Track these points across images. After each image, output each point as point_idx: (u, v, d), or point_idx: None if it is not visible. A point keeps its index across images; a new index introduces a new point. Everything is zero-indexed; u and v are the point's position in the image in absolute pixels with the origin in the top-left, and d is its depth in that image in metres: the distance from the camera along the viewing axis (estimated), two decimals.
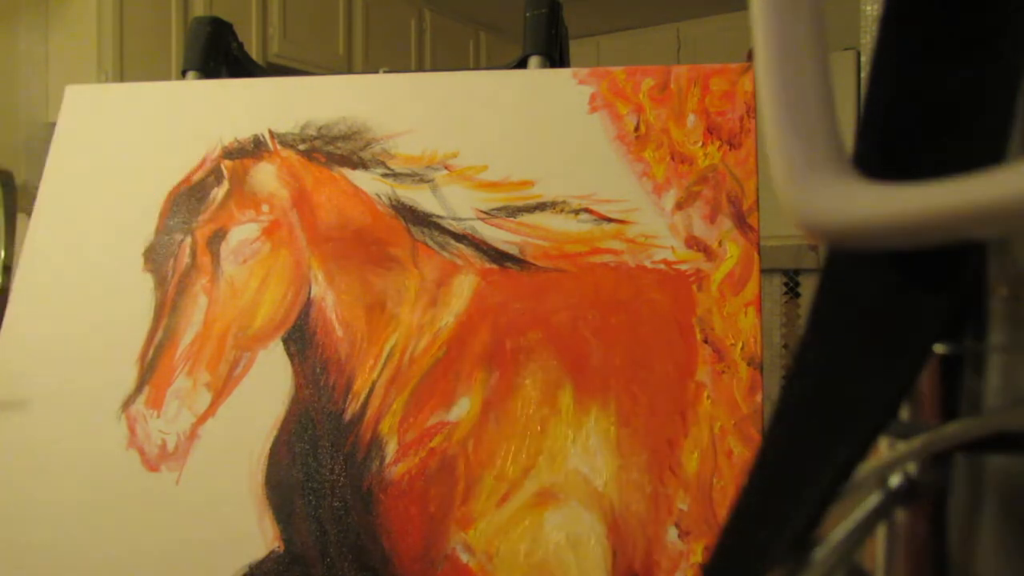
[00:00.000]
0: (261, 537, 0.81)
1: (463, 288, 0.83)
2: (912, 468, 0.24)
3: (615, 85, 0.85)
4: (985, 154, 0.21)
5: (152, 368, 0.86)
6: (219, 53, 0.99)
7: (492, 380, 0.80)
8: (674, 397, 0.77)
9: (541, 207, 0.83)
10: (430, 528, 0.79)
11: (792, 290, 2.31)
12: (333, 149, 0.88)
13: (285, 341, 0.85)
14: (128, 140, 0.94)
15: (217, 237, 0.89)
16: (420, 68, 3.33)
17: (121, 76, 2.43)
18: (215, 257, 0.88)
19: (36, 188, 0.92)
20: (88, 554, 0.83)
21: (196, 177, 0.91)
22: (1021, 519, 0.23)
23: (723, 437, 0.76)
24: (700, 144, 0.82)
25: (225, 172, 0.90)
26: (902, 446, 0.23)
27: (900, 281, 0.22)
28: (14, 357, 0.88)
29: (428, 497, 0.79)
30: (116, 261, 0.89)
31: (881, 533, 0.25)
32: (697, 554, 0.74)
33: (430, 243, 0.84)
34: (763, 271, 0.81)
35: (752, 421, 0.76)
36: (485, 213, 0.84)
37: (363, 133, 0.88)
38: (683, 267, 0.80)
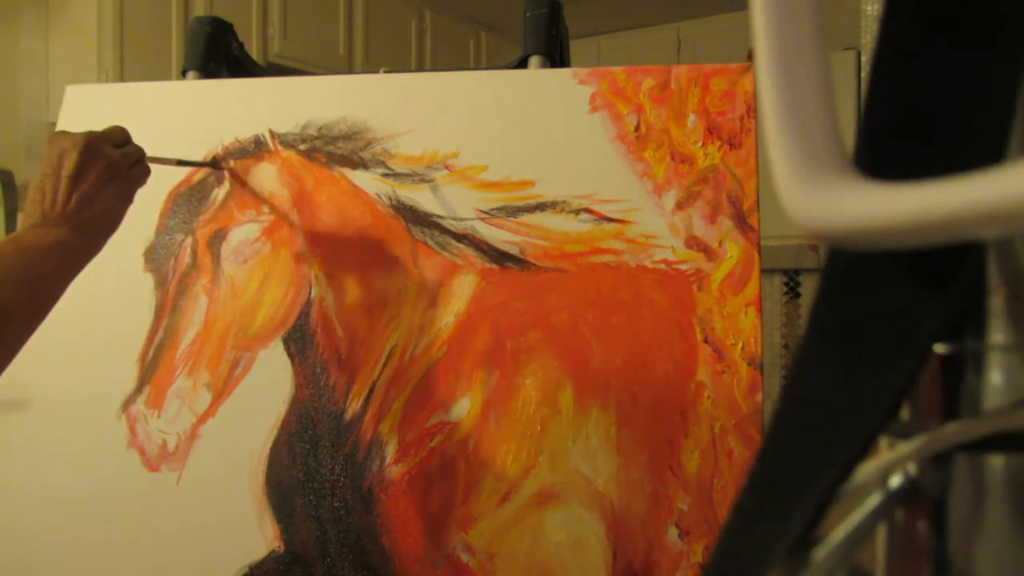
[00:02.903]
0: (261, 537, 0.81)
1: (463, 288, 0.83)
2: (912, 468, 0.24)
3: (615, 85, 0.85)
4: (985, 154, 0.21)
5: (152, 368, 0.86)
6: (219, 53, 0.99)
7: (492, 380, 0.80)
8: (674, 397, 0.77)
9: (541, 207, 0.83)
10: (430, 528, 0.79)
11: (792, 290, 2.31)
12: (333, 149, 0.88)
13: (285, 341, 0.85)
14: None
15: (217, 237, 0.89)
16: (420, 68, 3.33)
17: (121, 76, 2.43)
18: (215, 257, 0.88)
19: None
20: (89, 553, 0.83)
21: (196, 177, 0.91)
22: (1021, 519, 0.23)
23: (723, 437, 0.76)
24: (700, 144, 0.82)
25: (225, 172, 0.90)
26: (902, 446, 0.23)
27: (900, 281, 0.22)
28: (16, 357, 0.88)
29: (428, 497, 0.79)
30: (116, 261, 0.89)
31: (881, 533, 0.25)
32: (697, 554, 0.74)
33: (430, 243, 0.84)
34: (763, 271, 0.81)
35: (752, 421, 0.76)
36: (485, 213, 0.84)
37: (363, 133, 0.88)
38: (683, 267, 0.80)
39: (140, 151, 0.75)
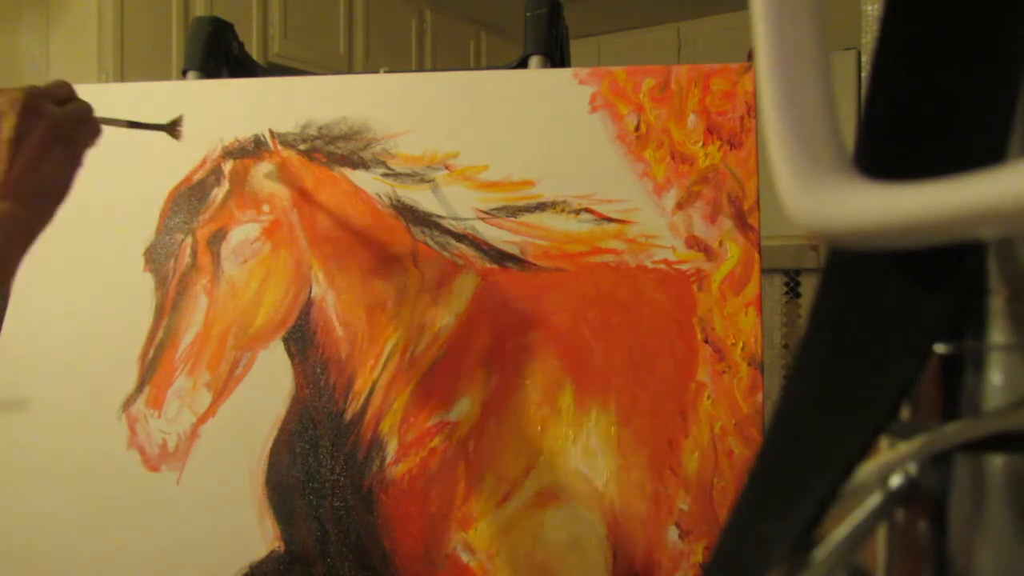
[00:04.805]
0: (262, 537, 0.81)
1: (464, 288, 0.83)
2: (912, 468, 0.24)
3: (616, 85, 0.85)
4: (985, 154, 0.21)
5: (153, 368, 0.86)
6: (220, 53, 0.99)
7: (492, 380, 0.80)
8: (675, 397, 0.77)
9: (542, 207, 0.83)
10: (431, 528, 0.79)
11: (792, 290, 2.31)
12: (334, 149, 0.88)
13: (285, 341, 0.85)
14: (128, 140, 0.94)
15: (217, 237, 0.89)
16: (420, 68, 3.33)
17: (121, 76, 2.43)
18: (215, 257, 0.88)
19: None
20: (88, 554, 0.83)
21: (197, 177, 0.91)
22: (1021, 519, 0.23)
23: (723, 437, 0.76)
24: (700, 144, 0.82)
25: (225, 172, 0.90)
26: (902, 446, 0.23)
27: (900, 281, 0.22)
28: (14, 357, 0.88)
29: (429, 497, 0.79)
30: (116, 261, 0.89)
31: (881, 533, 0.25)
32: (698, 554, 0.74)
33: (431, 243, 0.84)
34: (763, 271, 0.81)
35: (752, 421, 0.76)
36: (486, 213, 0.84)
37: (363, 133, 0.88)
38: (684, 267, 0.80)
39: (87, 108, 0.67)
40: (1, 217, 0.60)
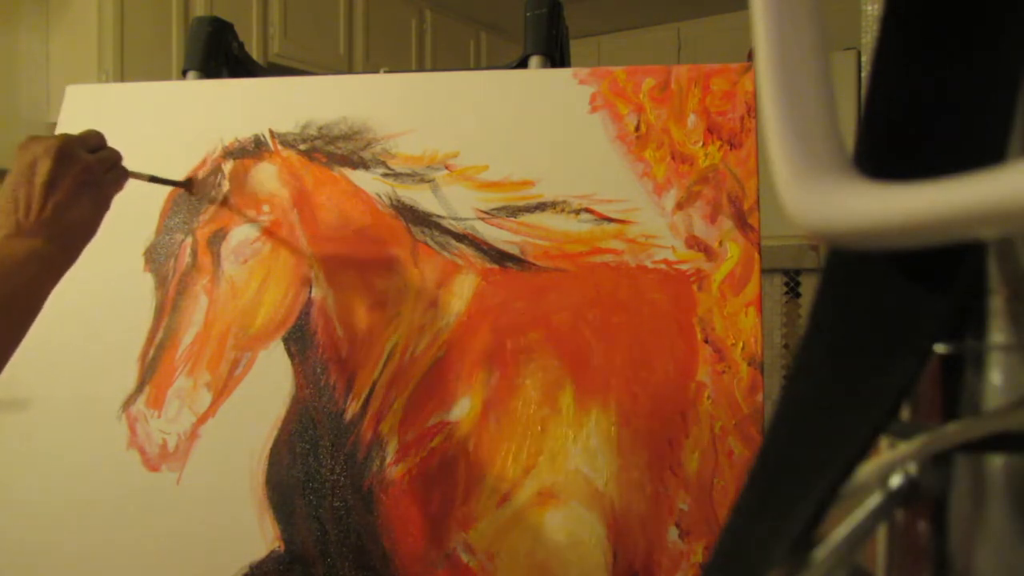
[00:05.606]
0: (262, 537, 0.81)
1: (464, 288, 0.83)
2: (912, 468, 0.24)
3: (616, 85, 0.85)
4: (985, 154, 0.21)
5: (153, 368, 0.86)
6: (220, 53, 0.99)
7: (492, 380, 0.80)
8: (675, 397, 0.77)
9: (542, 207, 0.83)
10: (431, 528, 0.79)
11: (792, 290, 2.31)
12: (334, 149, 0.88)
13: (286, 341, 0.85)
14: (128, 140, 0.93)
15: (217, 237, 0.89)
16: (420, 68, 3.33)
17: (121, 76, 2.43)
18: (216, 257, 0.88)
19: None
20: (89, 553, 0.83)
21: (197, 177, 0.91)
22: (1021, 519, 0.23)
23: (724, 437, 0.76)
24: (700, 144, 0.82)
25: (225, 172, 0.90)
26: (902, 446, 0.23)
27: (900, 281, 0.22)
28: (14, 357, 0.88)
29: (429, 497, 0.79)
30: (116, 261, 0.89)
31: (881, 533, 0.25)
32: (698, 554, 0.74)
33: (431, 243, 0.84)
34: (763, 271, 0.81)
35: (753, 421, 0.76)
36: (486, 213, 0.84)
37: (363, 133, 0.88)
38: (684, 267, 0.80)
39: (116, 155, 0.72)
40: (33, 254, 0.64)
